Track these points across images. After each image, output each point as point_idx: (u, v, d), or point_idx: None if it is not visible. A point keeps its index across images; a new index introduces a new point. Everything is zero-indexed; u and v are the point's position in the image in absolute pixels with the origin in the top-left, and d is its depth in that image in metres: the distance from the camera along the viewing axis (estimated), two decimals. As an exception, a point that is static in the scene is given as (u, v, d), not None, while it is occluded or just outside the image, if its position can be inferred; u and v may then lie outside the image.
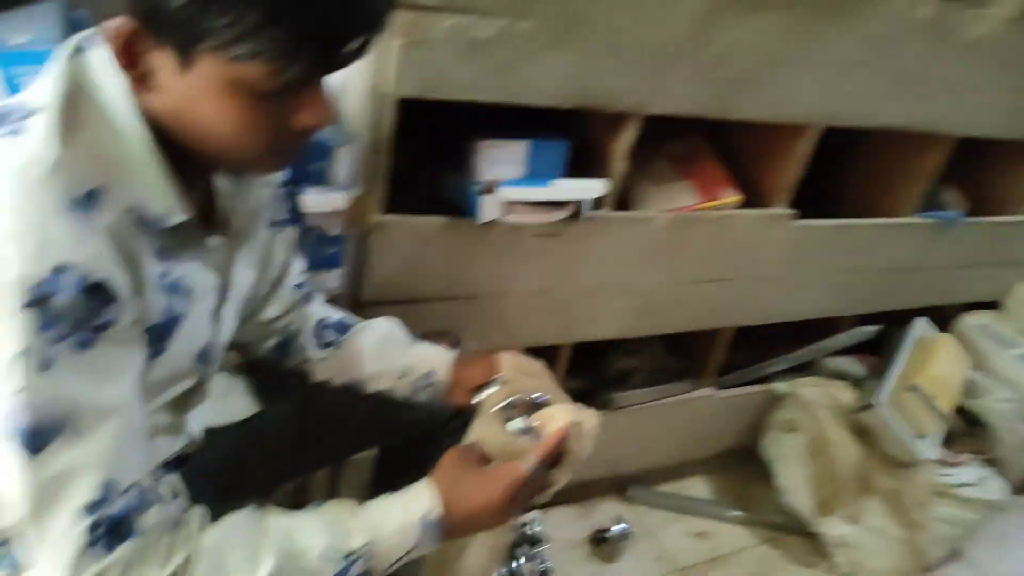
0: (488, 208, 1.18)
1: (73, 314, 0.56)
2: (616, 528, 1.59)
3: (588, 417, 0.95)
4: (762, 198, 1.52)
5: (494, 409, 0.94)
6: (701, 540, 1.70)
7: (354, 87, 1.05)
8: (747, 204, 1.49)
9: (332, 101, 0.65)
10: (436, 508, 0.76)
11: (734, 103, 1.31)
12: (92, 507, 0.59)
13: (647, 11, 1.15)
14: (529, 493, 0.83)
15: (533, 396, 0.96)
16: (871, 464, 1.70)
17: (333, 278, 1.15)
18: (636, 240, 1.41)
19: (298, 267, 1.00)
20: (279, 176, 0.91)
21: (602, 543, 1.61)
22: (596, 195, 1.25)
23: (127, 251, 0.62)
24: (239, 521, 0.69)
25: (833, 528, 1.68)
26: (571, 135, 1.29)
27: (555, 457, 0.87)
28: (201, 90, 0.60)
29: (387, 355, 1.01)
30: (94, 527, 0.59)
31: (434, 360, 1.02)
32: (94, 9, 0.93)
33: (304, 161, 1.02)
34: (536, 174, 1.23)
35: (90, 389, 0.59)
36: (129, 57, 0.60)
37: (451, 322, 1.29)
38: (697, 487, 1.86)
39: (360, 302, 1.19)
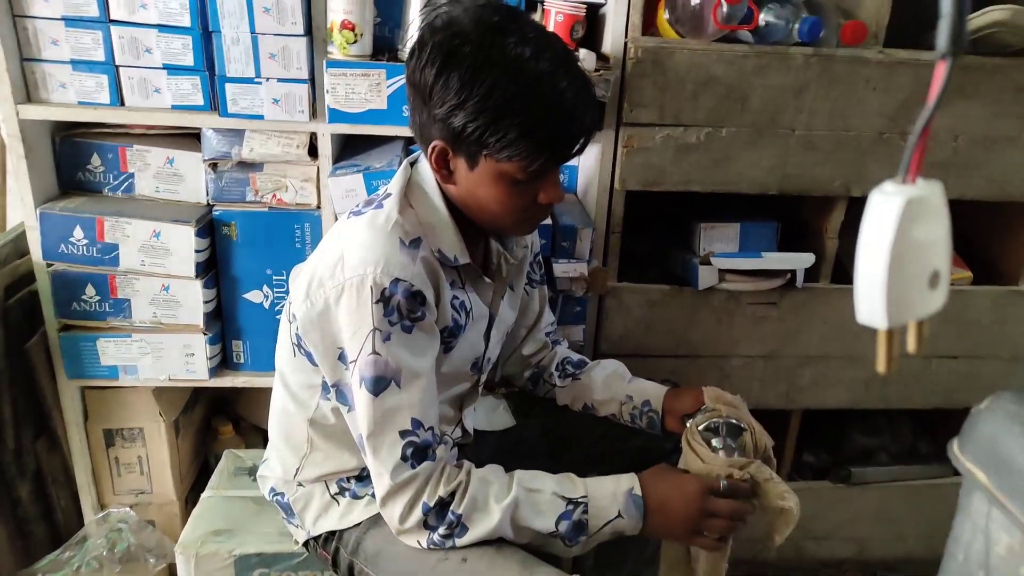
0: (705, 276, 1.40)
1: (402, 309, 0.93)
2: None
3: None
4: (1000, 277, 1.50)
5: (699, 427, 1.11)
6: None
7: (593, 185, 1.39)
8: (979, 282, 1.49)
9: (562, 185, 0.98)
10: (638, 487, 0.97)
11: (945, 185, 1.38)
12: (406, 434, 0.93)
13: (836, 115, 1.33)
14: (722, 510, 0.97)
15: (732, 420, 1.10)
16: None
17: (578, 332, 1.45)
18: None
19: (548, 318, 1.33)
20: (537, 246, 1.26)
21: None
22: (804, 266, 1.40)
23: (434, 278, 0.99)
24: (496, 468, 1.00)
25: None
26: (787, 218, 1.47)
27: (749, 491, 1.00)
28: (481, 181, 0.96)
29: (613, 386, 1.26)
30: (407, 447, 0.93)
31: (650, 392, 1.24)
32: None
33: (557, 239, 1.36)
34: (749, 249, 1.43)
35: (409, 358, 0.95)
36: (440, 164, 0.99)
37: (677, 378, 1.49)
38: (965, 588, 1.69)
39: (598, 353, 1.47)
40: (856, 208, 1.43)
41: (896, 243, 0.46)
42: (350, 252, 0.95)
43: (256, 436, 1.71)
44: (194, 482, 1.65)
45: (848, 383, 1.55)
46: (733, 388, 1.53)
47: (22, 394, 1.43)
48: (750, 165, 1.36)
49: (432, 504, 0.92)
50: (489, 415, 1.34)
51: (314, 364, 1.04)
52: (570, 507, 0.95)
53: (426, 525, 0.93)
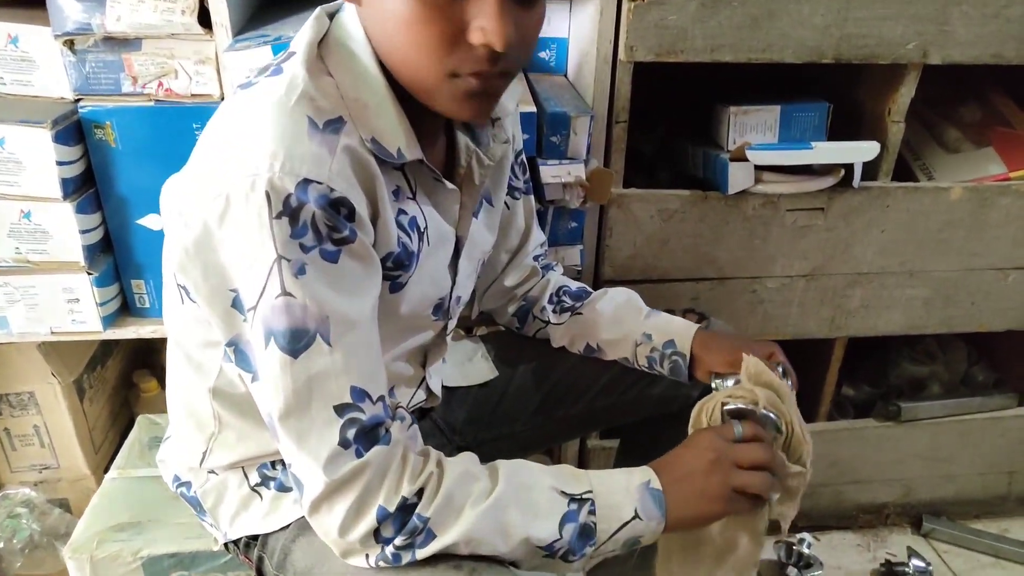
0: (738, 177, 1.07)
1: (319, 225, 0.60)
2: (916, 564, 1.30)
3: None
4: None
5: (725, 407, 0.80)
6: (1030, 596, 1.32)
7: (589, 58, 1.03)
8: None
9: (510, 23, 0.60)
10: (656, 480, 0.69)
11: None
12: (344, 409, 0.62)
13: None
14: (746, 457, 0.70)
15: (771, 414, 0.77)
16: None
17: (574, 255, 1.12)
18: (925, 217, 1.17)
19: (537, 238, 1.00)
20: (519, 142, 0.92)
21: (890, 580, 1.33)
22: (867, 158, 1.06)
23: (365, 178, 0.65)
24: (471, 456, 0.69)
25: None
26: (838, 99, 1.12)
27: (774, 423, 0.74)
28: None
29: (625, 321, 0.95)
30: (346, 427, 0.62)
31: (675, 330, 0.92)
32: None
33: (543, 133, 1.02)
34: (791, 140, 1.09)
35: (337, 299, 0.62)
36: None
37: (700, 306, 1.19)
38: (1021, 529, 1.46)
39: (601, 280, 1.15)
40: (930, 79, 1.08)
41: None
42: (235, 144, 0.62)
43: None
44: (116, 450, 1.35)
45: (906, 304, 1.25)
46: (767, 315, 1.24)
47: None
48: (798, 23, 1.00)
49: (392, 508, 0.62)
50: (463, 366, 1.03)
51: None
52: (573, 505, 0.66)
53: (378, 537, 0.63)
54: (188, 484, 0.84)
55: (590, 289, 1.00)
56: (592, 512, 0.67)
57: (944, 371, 1.42)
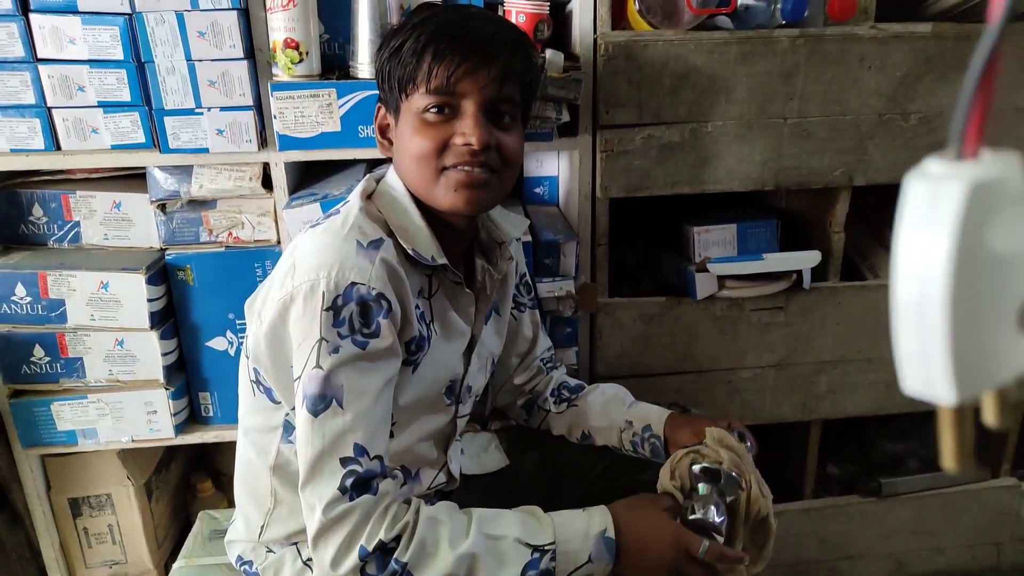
0: (704, 285, 1.24)
1: (355, 322, 0.78)
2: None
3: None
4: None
5: (692, 467, 0.91)
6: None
7: (573, 195, 1.24)
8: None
9: (484, 130, 0.82)
10: (611, 529, 0.82)
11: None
12: (347, 461, 0.77)
13: (830, 99, 1.18)
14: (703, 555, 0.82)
15: (733, 474, 0.89)
16: None
17: (570, 356, 1.29)
18: (874, 310, 1.33)
19: (544, 344, 1.17)
20: (523, 266, 1.11)
21: (888, 651, 1.38)
22: (810, 265, 1.24)
23: (396, 282, 0.83)
24: (450, 506, 0.83)
25: None
26: (787, 215, 1.32)
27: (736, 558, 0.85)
28: (404, 132, 0.85)
29: (612, 411, 1.10)
30: (346, 477, 0.77)
31: (651, 417, 1.07)
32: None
33: (539, 256, 1.21)
34: (748, 251, 1.27)
35: (356, 375, 0.78)
36: (382, 133, 0.90)
37: (683, 397, 1.33)
38: (1016, 601, 1.50)
39: (596, 376, 1.31)
40: (860, 197, 1.28)
41: (960, 260, 0.28)
42: (301, 260, 0.82)
43: (239, 492, 1.54)
44: (176, 545, 1.48)
45: (868, 387, 1.38)
46: (744, 403, 1.38)
47: (-22, 468, 1.28)
48: (741, 160, 1.21)
49: (371, 548, 0.76)
50: (479, 456, 1.18)
51: (274, 401, 0.89)
52: (536, 555, 0.80)
53: (363, 574, 0.76)
54: (250, 563, 0.98)
55: (586, 384, 1.16)
56: (552, 559, 0.79)
57: (920, 447, 1.52)
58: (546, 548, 0.80)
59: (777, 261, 1.23)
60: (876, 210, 1.45)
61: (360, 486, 0.77)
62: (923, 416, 1.55)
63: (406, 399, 0.88)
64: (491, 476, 1.15)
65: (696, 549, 0.82)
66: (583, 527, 0.82)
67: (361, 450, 0.78)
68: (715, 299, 1.27)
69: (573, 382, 1.16)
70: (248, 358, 0.90)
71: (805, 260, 1.23)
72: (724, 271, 1.22)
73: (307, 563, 0.94)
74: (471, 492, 1.13)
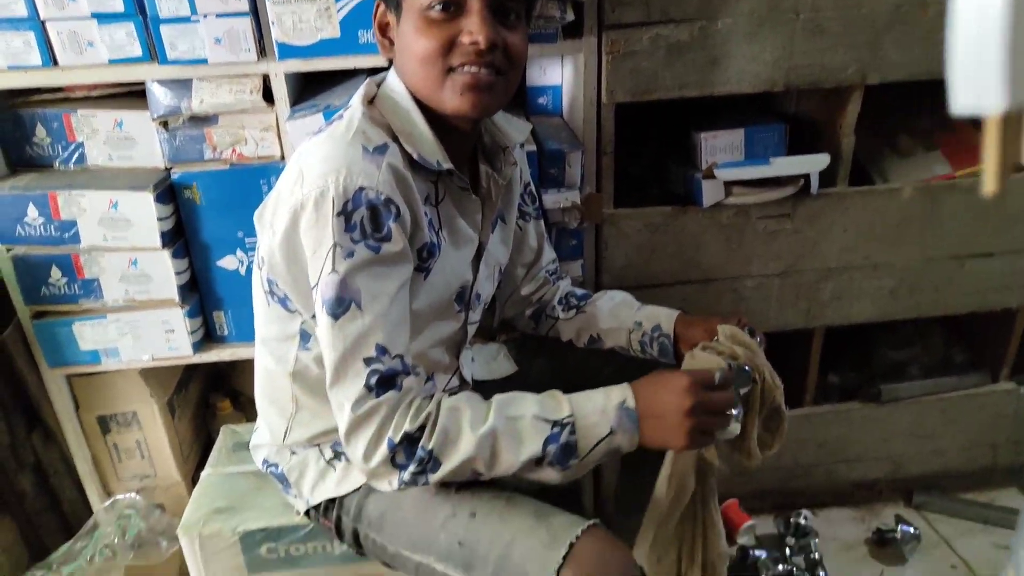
0: (710, 192, 1.23)
1: (366, 225, 0.78)
2: (903, 529, 1.41)
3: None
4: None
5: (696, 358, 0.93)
6: (1021, 556, 1.40)
7: (577, 102, 1.22)
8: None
9: (490, 29, 0.80)
10: (631, 398, 0.82)
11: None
12: (370, 361, 0.79)
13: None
14: (716, 402, 0.81)
15: (746, 367, 0.91)
16: None
17: (576, 267, 1.29)
18: (881, 215, 1.32)
19: (549, 255, 1.17)
20: (527, 174, 1.10)
21: (884, 545, 1.43)
22: (819, 168, 1.23)
23: (403, 187, 0.83)
24: (470, 395, 0.85)
25: None
26: (796, 118, 1.29)
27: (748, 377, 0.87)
28: (407, 33, 0.82)
29: (621, 314, 1.11)
30: (371, 375, 0.79)
31: (661, 317, 1.08)
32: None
33: (543, 167, 1.20)
34: (756, 157, 1.25)
35: (371, 279, 0.79)
36: (383, 33, 0.87)
37: (688, 306, 1.34)
38: (1009, 498, 1.55)
39: (601, 287, 1.31)
40: (873, 98, 1.25)
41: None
42: (308, 167, 0.81)
43: (255, 409, 1.59)
44: (199, 461, 1.54)
45: (873, 294, 1.39)
46: (749, 311, 1.39)
47: (7, 387, 1.32)
48: (751, 59, 1.18)
49: (398, 440, 0.78)
50: (488, 364, 1.20)
51: (289, 311, 0.91)
52: (556, 429, 0.80)
53: (394, 463, 0.80)
54: (276, 464, 1.02)
55: (593, 293, 1.17)
56: (572, 432, 0.80)
57: (923, 354, 1.54)
58: (564, 422, 0.81)
59: (785, 165, 1.22)
60: (887, 114, 1.43)
61: (384, 383, 0.79)
62: (927, 323, 1.57)
63: (418, 305, 0.89)
64: (501, 382, 1.18)
65: (711, 376, 0.82)
66: (601, 401, 0.82)
67: (382, 350, 0.80)
68: (721, 207, 1.27)
69: (580, 291, 1.17)
70: (261, 268, 0.91)
71: (813, 163, 1.22)
72: (731, 176, 1.21)
73: (330, 462, 0.98)
74: (483, 395, 1.16)
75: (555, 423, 0.81)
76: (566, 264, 1.27)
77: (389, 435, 0.79)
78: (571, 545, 0.78)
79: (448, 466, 0.80)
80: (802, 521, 1.44)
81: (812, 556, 1.38)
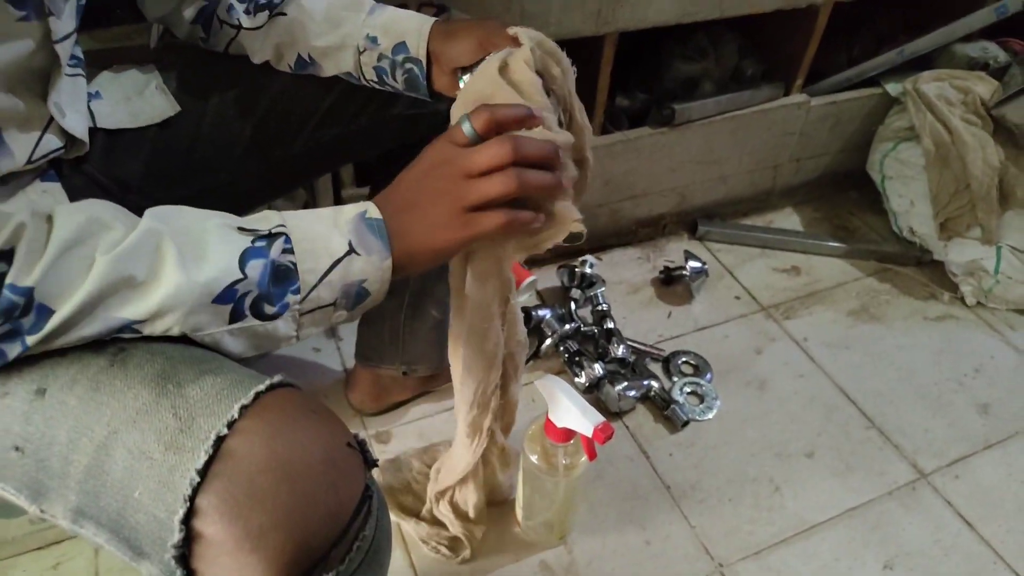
0: None
1: None
2: (692, 266, 1.28)
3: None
4: None
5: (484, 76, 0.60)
6: (792, 276, 1.38)
7: None
8: None
9: None
10: (373, 208, 0.50)
11: None
12: None
13: None
14: (479, 162, 0.50)
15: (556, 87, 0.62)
16: (1017, 170, 1.28)
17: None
18: None
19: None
20: None
21: (670, 283, 1.33)
22: None
23: None
24: (110, 204, 0.46)
25: (961, 253, 1.30)
26: None
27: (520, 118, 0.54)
28: None
29: (344, 21, 0.70)
30: None
31: (406, 29, 0.69)
32: None
33: None
34: None
35: None
36: None
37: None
38: (785, 220, 1.51)
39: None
40: None
41: None
42: None
43: None
44: None
45: (674, -11, 1.09)
46: (524, 12, 1.04)
47: None
48: None
49: None
50: (129, 101, 0.74)
51: None
52: (260, 243, 0.46)
53: None
54: None
55: (294, -21, 0.72)
56: (288, 251, 0.46)
57: (715, 67, 1.32)
58: (274, 232, 0.47)
59: None
60: None
61: None
62: (721, 31, 1.34)
63: None
64: (156, 131, 0.74)
65: (460, 135, 0.52)
66: (329, 215, 0.49)
67: None
68: None
69: (272, -25, 0.72)
70: None
71: None
72: None
73: None
74: (123, 157, 0.72)
75: (258, 234, 0.46)
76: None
77: None
78: (222, 437, 0.41)
79: (62, 315, 0.42)
80: (587, 270, 1.26)
81: (600, 308, 1.22)
